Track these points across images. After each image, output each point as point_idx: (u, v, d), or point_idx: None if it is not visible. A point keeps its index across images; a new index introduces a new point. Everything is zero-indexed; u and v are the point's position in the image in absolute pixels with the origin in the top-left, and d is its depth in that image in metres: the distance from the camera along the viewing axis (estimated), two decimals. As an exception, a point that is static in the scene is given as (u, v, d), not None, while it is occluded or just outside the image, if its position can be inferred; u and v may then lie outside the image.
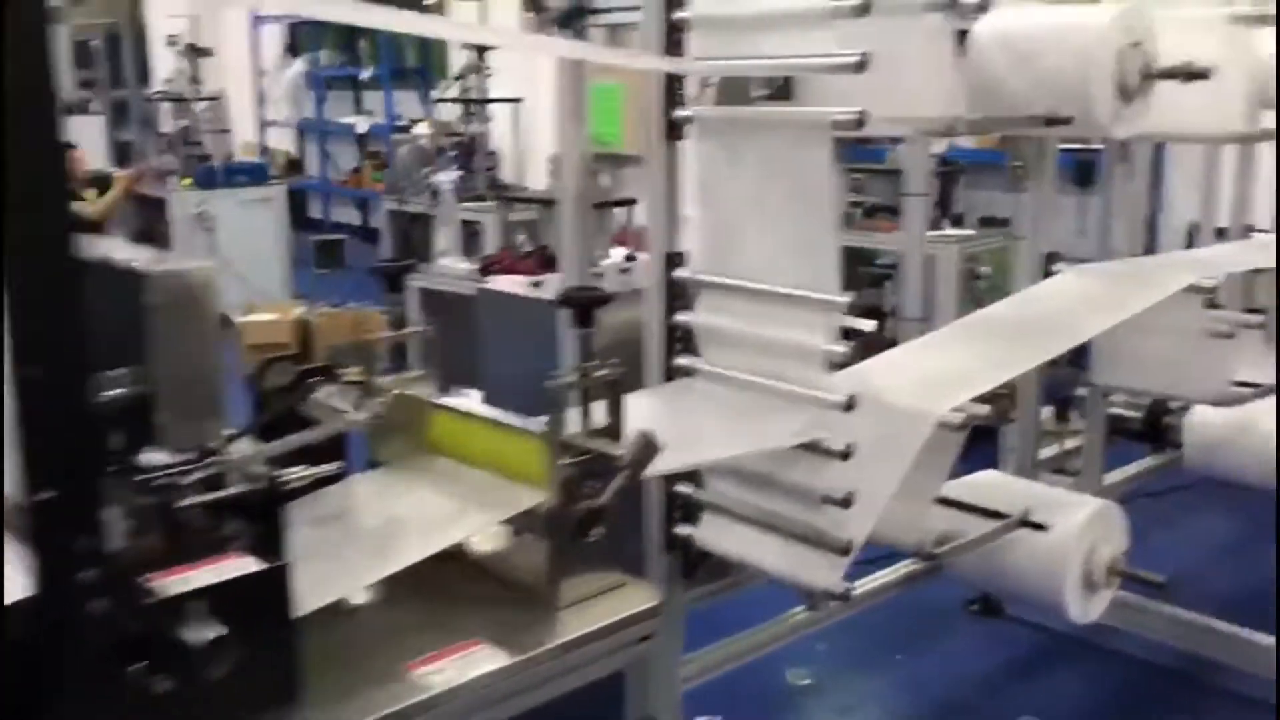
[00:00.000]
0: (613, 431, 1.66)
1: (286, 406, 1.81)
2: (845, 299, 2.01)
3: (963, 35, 2.52)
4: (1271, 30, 3.03)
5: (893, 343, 2.70)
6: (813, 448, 2.05)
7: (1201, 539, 4.27)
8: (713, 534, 2.29)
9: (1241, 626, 3.28)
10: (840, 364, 2.09)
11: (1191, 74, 2.47)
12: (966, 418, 2.19)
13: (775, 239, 2.10)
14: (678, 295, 2.29)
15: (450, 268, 4.48)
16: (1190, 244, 5.69)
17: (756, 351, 2.15)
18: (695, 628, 2.53)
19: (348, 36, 12.18)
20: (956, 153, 6.26)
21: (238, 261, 8.00)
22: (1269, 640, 3.19)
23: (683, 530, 2.35)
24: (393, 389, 1.84)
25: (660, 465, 1.91)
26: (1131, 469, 3.93)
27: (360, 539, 1.63)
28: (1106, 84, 2.40)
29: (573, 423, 1.72)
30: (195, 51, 8.72)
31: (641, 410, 2.17)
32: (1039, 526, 2.45)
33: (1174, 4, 2.89)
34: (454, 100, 7.10)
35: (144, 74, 11.08)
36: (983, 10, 2.18)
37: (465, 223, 6.53)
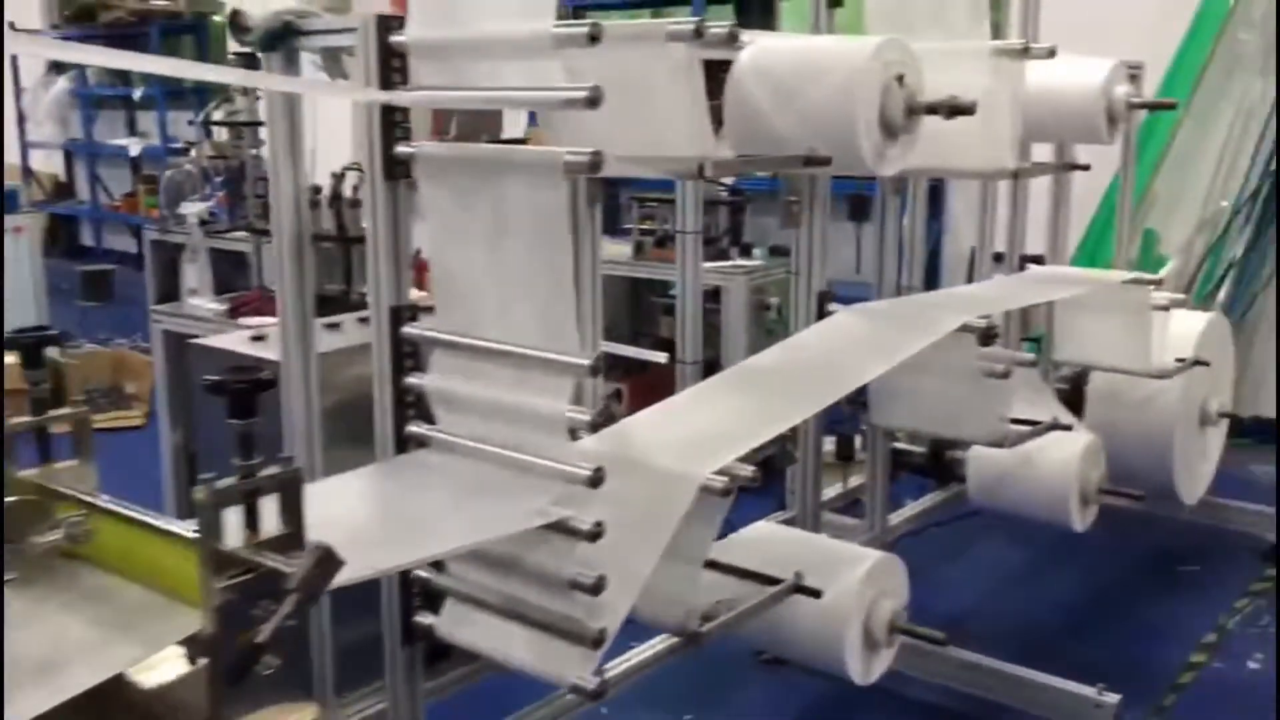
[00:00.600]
0: (291, 541, 1.38)
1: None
2: (587, 361, 1.79)
3: (724, 66, 2.37)
4: (1037, 64, 3.00)
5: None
6: (559, 527, 1.82)
7: (988, 569, 4.26)
8: (455, 624, 2.04)
9: (1028, 667, 3.23)
10: (596, 425, 1.87)
11: (955, 109, 2.37)
12: (729, 481, 2.01)
13: (512, 293, 1.86)
14: (409, 354, 2.03)
15: (198, 309, 4.08)
16: (971, 271, 5.79)
17: (496, 418, 1.92)
18: (459, 713, 2.27)
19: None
20: (744, 180, 6.20)
21: (-18, 298, 7.29)
22: (1054, 681, 3.15)
23: (423, 620, 2.08)
24: (34, 481, 1.51)
25: (382, 564, 1.65)
26: (916, 507, 3.87)
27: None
28: (870, 121, 2.28)
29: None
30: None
31: (364, 492, 1.91)
32: (814, 592, 2.28)
33: (939, 36, 2.82)
34: (219, 123, 6.59)
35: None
36: (733, 40, 2.00)
37: (235, 255, 6.06)
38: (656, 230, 5.88)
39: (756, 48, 2.36)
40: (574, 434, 1.86)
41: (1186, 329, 3.80)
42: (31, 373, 1.62)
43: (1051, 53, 2.88)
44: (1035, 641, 3.69)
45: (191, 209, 4.97)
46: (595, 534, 1.78)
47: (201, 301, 4.12)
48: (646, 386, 5.57)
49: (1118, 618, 3.86)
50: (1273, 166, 5.38)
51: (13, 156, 11.67)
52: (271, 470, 1.41)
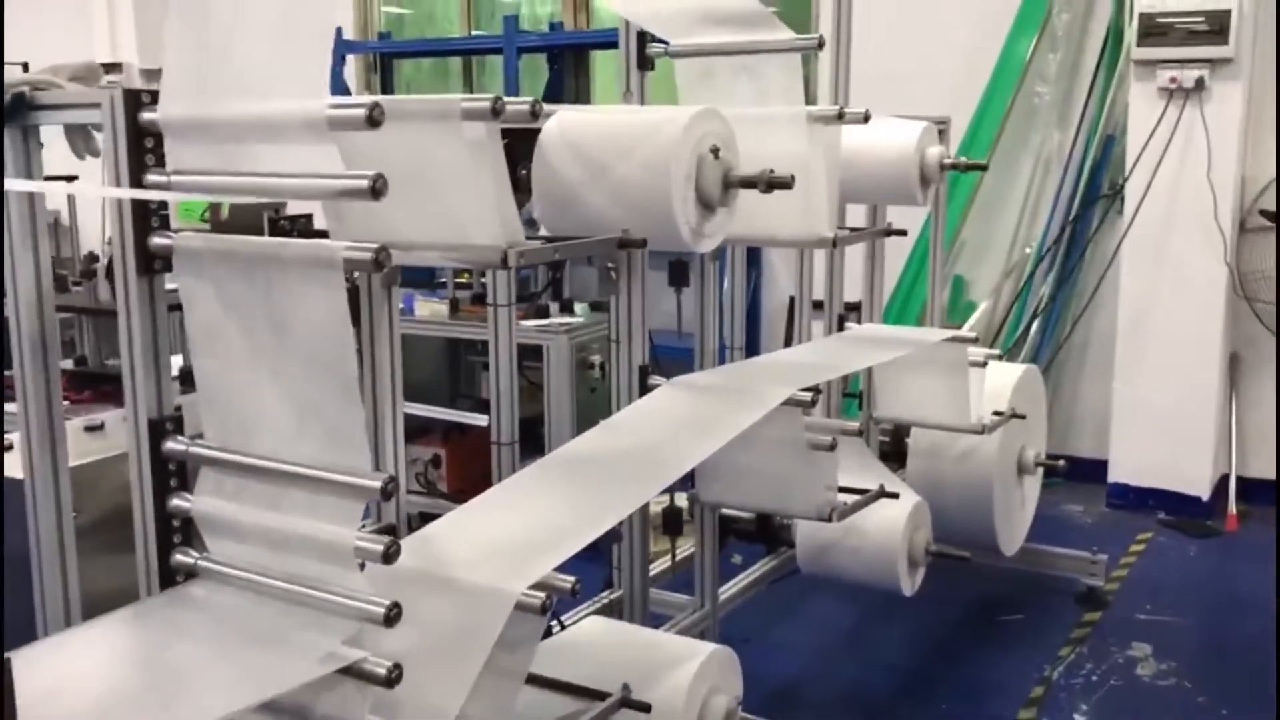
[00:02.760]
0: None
1: None
2: (377, 483, 1.57)
3: (531, 136, 2.21)
4: (850, 128, 2.95)
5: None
6: (351, 671, 1.60)
7: (818, 631, 4.20)
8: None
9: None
10: (389, 556, 1.66)
11: (773, 184, 2.27)
12: (548, 596, 1.83)
13: (290, 403, 1.64)
14: (174, 472, 1.78)
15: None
16: (790, 321, 5.78)
17: (275, 546, 1.68)
18: None
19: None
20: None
21: None
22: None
23: (198, 774, 1.82)
24: None
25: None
26: (745, 578, 3.77)
27: None
28: (685, 197, 2.16)
29: None
30: None
31: (120, 642, 1.64)
32: (642, 706, 2.12)
33: (752, 100, 2.74)
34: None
35: None
36: (534, 115, 1.84)
37: None
38: (474, 286, 5.67)
39: (562, 118, 2.22)
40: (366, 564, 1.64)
41: (1001, 381, 3.84)
42: None
43: (866, 117, 2.83)
44: (868, 706, 3.63)
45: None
46: (392, 679, 1.56)
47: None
48: (466, 449, 5.32)
49: (947, 676, 3.84)
50: (1072, 215, 5.58)
51: None
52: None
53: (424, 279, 5.53)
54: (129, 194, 1.59)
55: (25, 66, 7.49)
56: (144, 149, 1.66)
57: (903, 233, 3.81)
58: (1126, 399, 5.31)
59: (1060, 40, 5.63)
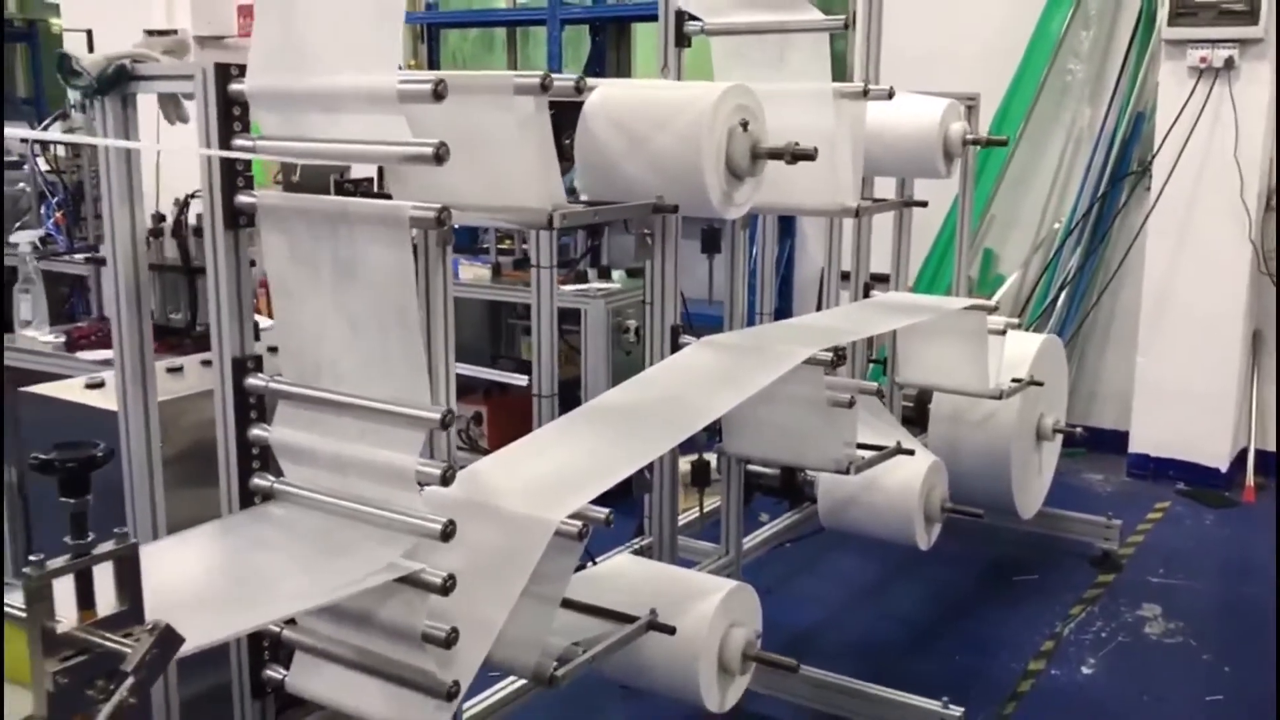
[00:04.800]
0: (129, 618, 1.35)
1: None
2: (437, 415, 1.78)
3: (575, 107, 2.40)
4: (876, 105, 3.11)
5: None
6: (411, 580, 1.82)
7: (836, 585, 4.39)
8: (306, 677, 2.01)
9: (875, 682, 3.34)
10: (446, 479, 1.86)
11: (798, 155, 2.45)
12: (584, 525, 2.04)
13: (359, 346, 1.85)
14: (253, 405, 2.00)
15: (33, 341, 3.90)
16: (821, 289, 5.94)
17: (344, 471, 1.90)
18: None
19: (-57, 59, 10.83)
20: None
21: None
22: (900, 696, 3.26)
23: (273, 673, 2.05)
24: None
25: (227, 629, 1.62)
26: (769, 530, 3.96)
27: None
28: (716, 167, 2.34)
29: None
30: None
31: (207, 550, 1.86)
32: (667, 629, 2.32)
33: (783, 77, 2.91)
34: (55, 140, 6.32)
35: None
36: (579, 91, 2.03)
37: (74, 278, 5.81)
38: (514, 251, 5.87)
39: (605, 92, 2.40)
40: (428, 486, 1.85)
41: (1022, 350, 3.99)
42: None
43: (890, 94, 3.00)
44: (882, 656, 3.82)
45: (24, 237, 4.74)
46: (447, 587, 1.78)
47: (37, 334, 3.95)
48: (506, 409, 5.56)
49: (960, 630, 4.02)
50: (1101, 190, 5.69)
51: None
52: (107, 545, 1.37)
53: (467, 244, 5.74)
54: (221, 154, 1.80)
55: (90, 34, 7.71)
56: (232, 116, 1.87)
57: (923, 204, 3.97)
58: (1149, 372, 5.44)
59: (1093, 18, 5.73)
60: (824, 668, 3.35)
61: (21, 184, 6.50)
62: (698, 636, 2.47)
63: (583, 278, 5.45)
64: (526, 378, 5.49)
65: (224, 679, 2.13)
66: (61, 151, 6.42)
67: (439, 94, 1.67)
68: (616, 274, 5.63)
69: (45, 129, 6.63)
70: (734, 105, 2.41)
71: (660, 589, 2.59)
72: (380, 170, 4.94)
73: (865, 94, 2.96)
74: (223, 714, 2.18)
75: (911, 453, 3.28)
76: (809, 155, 2.45)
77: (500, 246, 5.85)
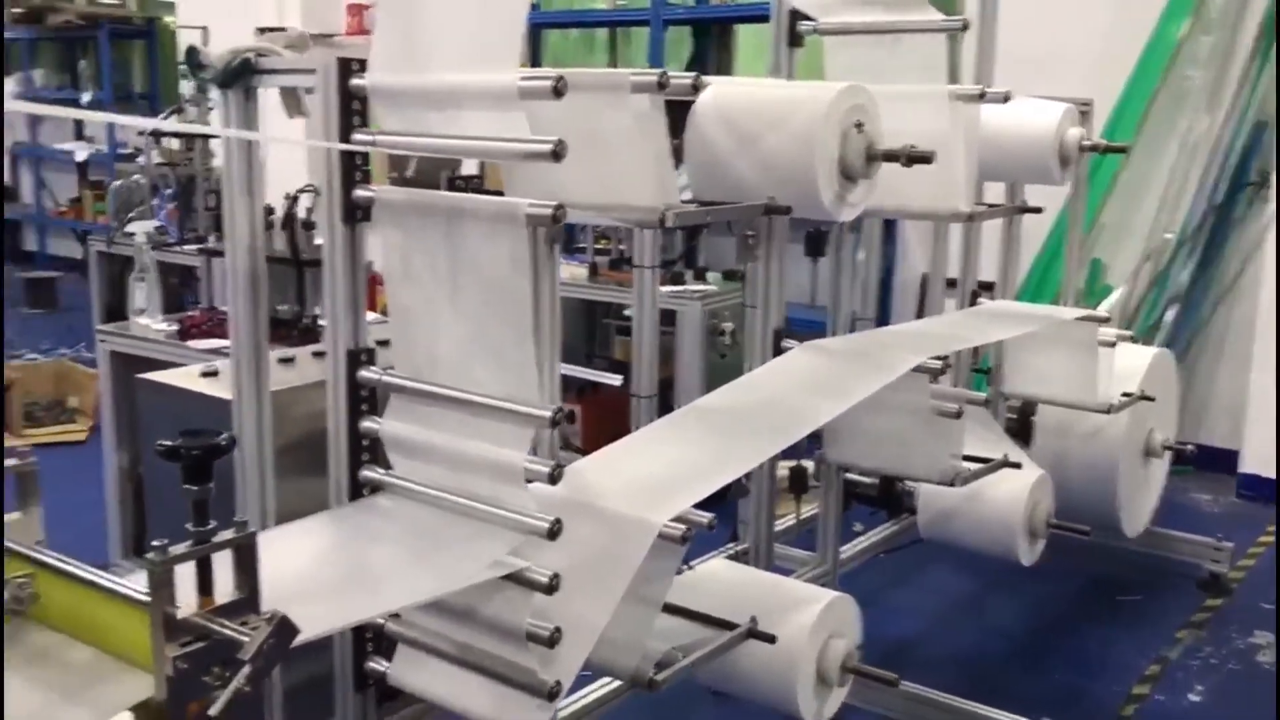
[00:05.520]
0: (246, 605, 1.36)
1: None
2: (547, 413, 1.78)
3: (685, 107, 2.38)
4: (991, 108, 3.04)
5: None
6: (516, 578, 1.81)
7: (935, 597, 4.30)
8: (409, 671, 2.02)
9: (973, 699, 3.26)
10: (554, 478, 1.86)
11: (914, 158, 2.40)
12: (687, 529, 2.01)
13: (470, 341, 1.85)
14: (365, 397, 2.02)
15: (146, 329, 4.00)
16: (923, 297, 5.84)
17: (453, 465, 1.90)
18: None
19: (66, 55, 11.22)
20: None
21: (-80, 306, 7.11)
22: (1000, 715, 3.18)
23: (375, 665, 2.06)
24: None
25: (338, 620, 1.63)
26: (867, 540, 3.90)
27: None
28: (829, 168, 2.30)
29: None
30: None
31: (318, 541, 1.88)
32: (767, 638, 2.29)
33: (897, 78, 2.85)
34: (169, 134, 6.49)
35: None
36: (696, 90, 2.01)
37: (185, 269, 5.97)
38: (611, 251, 5.88)
39: (717, 91, 2.38)
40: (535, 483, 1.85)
41: (1133, 364, 3.86)
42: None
43: (1006, 98, 2.92)
44: (981, 672, 3.73)
45: (140, 227, 4.87)
46: (552, 587, 1.77)
47: (150, 322, 4.05)
48: (600, 408, 5.56)
49: (1061, 648, 3.91)
50: (1217, 201, 5.50)
51: (-47, 157, 11.43)
52: (226, 534, 1.39)
53: (565, 243, 5.77)
54: (341, 147, 1.82)
55: (205, 31, 7.91)
56: (351, 111, 1.89)
57: (1038, 210, 3.87)
58: (1263, 389, 5.24)
59: (1214, 23, 5.54)
60: (921, 682, 3.28)
61: (136, 176, 6.70)
62: (796, 646, 2.43)
63: (679, 279, 5.43)
64: (620, 377, 5.49)
65: (323, 668, 2.16)
66: (174, 146, 6.61)
67: (559, 91, 1.66)
68: (712, 275, 5.61)
69: (158, 123, 6.84)
70: (849, 105, 2.36)
71: (758, 596, 2.56)
72: (481, 166, 5.00)
73: (981, 97, 2.89)
74: (321, 703, 2.20)
75: (1018, 466, 3.20)
76: (926, 158, 2.40)
77: (597, 246, 5.86)
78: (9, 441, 5.78)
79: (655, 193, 1.99)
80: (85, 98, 10.47)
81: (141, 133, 6.84)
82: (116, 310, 5.50)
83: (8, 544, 1.55)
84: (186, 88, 7.42)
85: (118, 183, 6.77)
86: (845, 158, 2.36)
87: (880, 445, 3.03)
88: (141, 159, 7.11)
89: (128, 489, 3.94)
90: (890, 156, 2.43)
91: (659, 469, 2.19)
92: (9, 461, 1.61)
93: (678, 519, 2.01)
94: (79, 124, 11.09)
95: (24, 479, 1.61)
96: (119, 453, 3.95)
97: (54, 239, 11.34)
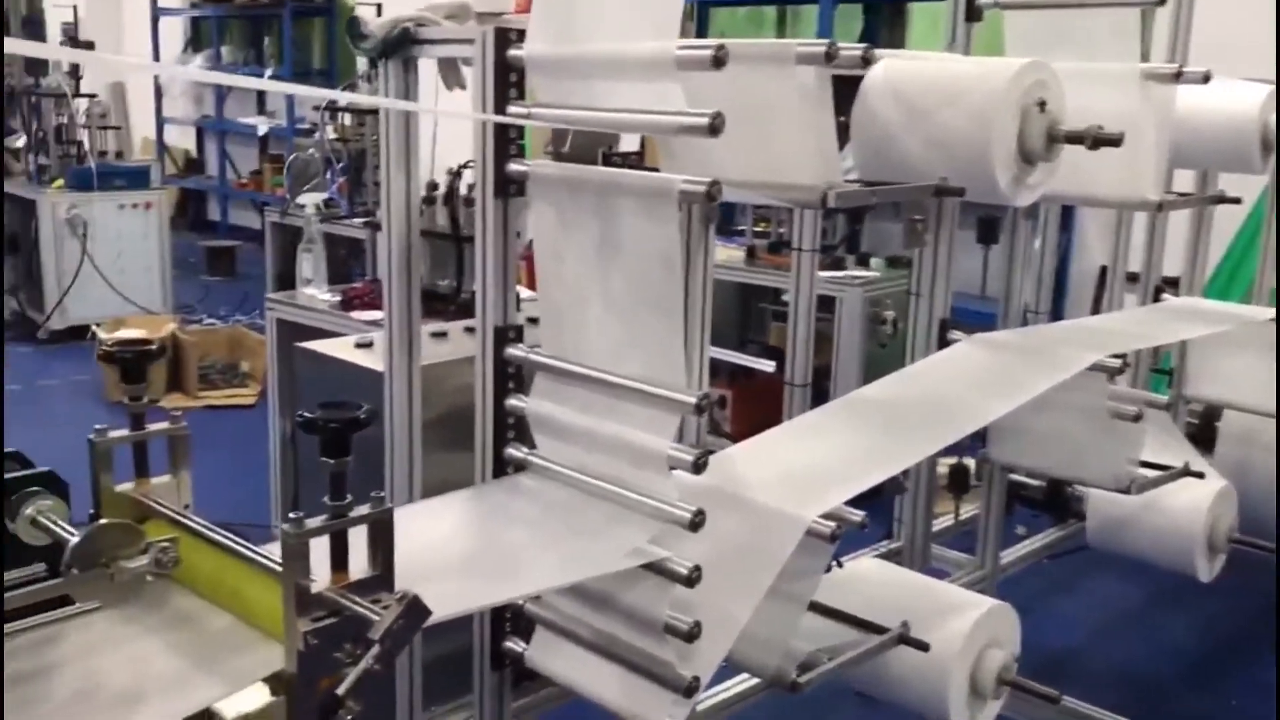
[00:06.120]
0: (380, 583, 1.34)
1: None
2: (693, 399, 1.71)
3: (852, 84, 2.26)
4: (1187, 88, 2.81)
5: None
6: (656, 568, 1.75)
7: (1100, 608, 4.08)
8: (546, 654, 1.99)
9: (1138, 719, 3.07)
10: (699, 466, 1.78)
11: (1101, 140, 2.22)
12: (838, 526, 1.92)
13: (618, 322, 1.80)
14: (512, 375, 1.98)
15: (312, 299, 4.11)
16: (1100, 291, 5.53)
17: (596, 448, 1.85)
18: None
19: (251, 33, 11.70)
20: (866, 186, 6.02)
21: (112, 271, 7.51)
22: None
23: (513, 645, 2.04)
24: (129, 495, 1.49)
25: (473, 601, 1.60)
26: (1029, 545, 3.70)
27: (34, 717, 1.28)
28: (1007, 149, 2.15)
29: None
30: (75, 43, 8.18)
31: (459, 517, 1.86)
32: (920, 645, 2.17)
33: (1082, 56, 2.67)
34: (343, 109, 6.67)
35: (36, 64, 10.46)
36: (866, 63, 1.89)
37: (353, 241, 6.12)
38: (770, 234, 5.77)
39: (888, 64, 2.25)
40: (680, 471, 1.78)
41: (1332, 370, 3.56)
42: (130, 387, 1.60)
43: (1206, 78, 2.70)
44: (1148, 691, 3.51)
45: (310, 199, 5.01)
46: (692, 579, 1.70)
47: (315, 292, 4.16)
48: (752, 394, 5.47)
49: (1236, 671, 3.65)
50: None
51: (148, 131, 12.07)
52: (364, 509, 1.36)
53: (722, 224, 5.68)
54: (496, 119, 1.78)
55: (379, 7, 8.14)
56: (508, 82, 1.85)
57: (1236, 200, 3.58)
58: None
59: None
60: (1083, 698, 3.10)
61: (311, 150, 6.91)
62: (950, 654, 2.30)
63: (839, 264, 5.28)
64: (774, 364, 5.38)
65: (462, 643, 2.14)
66: (348, 121, 6.80)
67: (719, 60, 1.58)
68: (875, 261, 5.44)
69: (333, 99, 7.04)
70: (1031, 82, 2.21)
71: (911, 599, 2.44)
72: (642, 143, 4.95)
73: (1177, 77, 2.67)
74: (458, 679, 2.19)
75: (1201, 475, 2.97)
76: (1114, 141, 2.22)
77: (756, 229, 5.76)
78: (174, 401, 6.07)
79: (817, 171, 1.89)
80: (267, 73, 10.90)
81: (317, 107, 7.04)
82: (287, 280, 5.69)
83: (157, 503, 1.57)
84: (362, 64, 7.62)
85: (294, 156, 7.00)
86: (1025, 138, 2.20)
87: (1050, 446, 2.86)
88: (317, 134, 7.35)
89: (289, 454, 4.06)
90: (1074, 138, 2.26)
91: (811, 462, 2.09)
92: (161, 424, 1.63)
93: (828, 516, 1.91)
94: (261, 99, 11.56)
95: (175, 443, 1.63)
96: (282, 418, 4.07)
97: (235, 209, 11.87)
